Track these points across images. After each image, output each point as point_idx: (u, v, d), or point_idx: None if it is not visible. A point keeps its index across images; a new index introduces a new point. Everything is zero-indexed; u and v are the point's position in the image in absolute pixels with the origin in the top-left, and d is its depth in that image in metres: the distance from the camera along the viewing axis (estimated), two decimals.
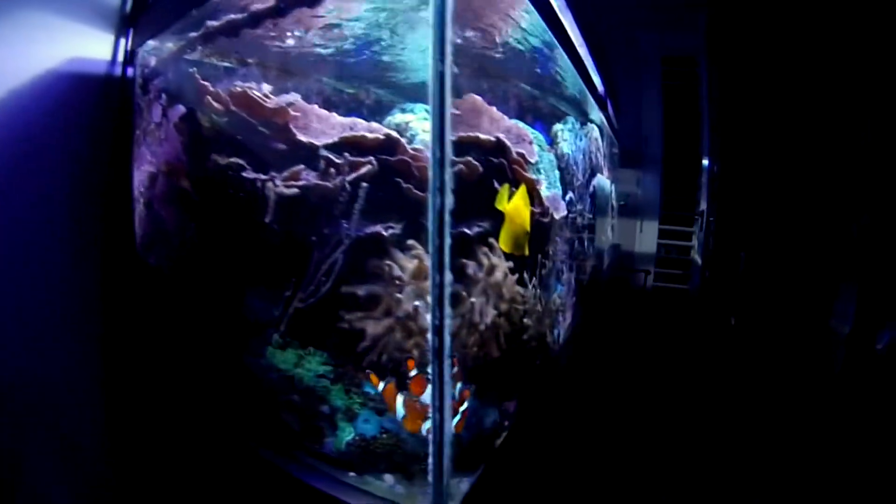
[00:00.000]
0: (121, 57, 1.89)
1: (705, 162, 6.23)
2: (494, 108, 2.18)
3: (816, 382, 3.82)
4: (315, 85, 2.44)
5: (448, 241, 1.18)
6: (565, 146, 3.02)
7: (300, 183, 1.72)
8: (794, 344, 4.07)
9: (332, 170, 1.70)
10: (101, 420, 1.84)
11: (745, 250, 5.02)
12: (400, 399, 1.50)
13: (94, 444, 1.81)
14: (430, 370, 1.21)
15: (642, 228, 6.67)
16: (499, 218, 1.91)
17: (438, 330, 1.18)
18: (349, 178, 1.70)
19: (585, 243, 3.62)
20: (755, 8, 4.98)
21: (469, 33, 2.09)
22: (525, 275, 2.03)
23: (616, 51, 5.59)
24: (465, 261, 1.76)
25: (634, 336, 4.97)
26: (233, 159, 1.79)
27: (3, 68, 1.45)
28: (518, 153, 2.10)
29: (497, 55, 2.45)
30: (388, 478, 1.63)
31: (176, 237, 2.08)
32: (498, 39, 2.26)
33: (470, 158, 1.86)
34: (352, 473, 1.63)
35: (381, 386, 1.54)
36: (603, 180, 4.21)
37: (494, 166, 1.98)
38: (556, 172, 2.81)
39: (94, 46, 1.79)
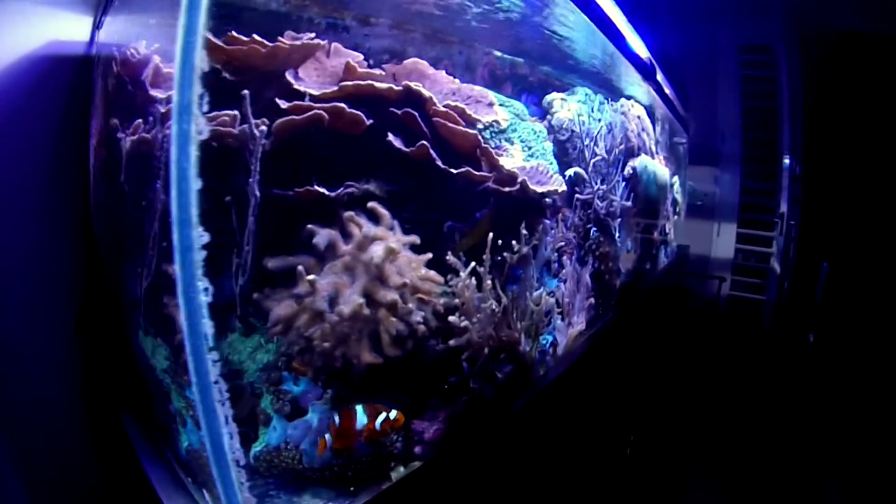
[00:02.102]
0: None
1: (787, 160, 5.28)
2: (442, 73, 1.86)
3: None
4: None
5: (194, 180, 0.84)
6: (565, 117, 2.39)
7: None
8: (878, 369, 3.06)
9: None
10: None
11: (829, 260, 4.17)
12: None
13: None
14: None
15: (720, 231, 5.66)
16: (399, 179, 1.53)
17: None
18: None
19: (616, 233, 2.87)
20: None
21: None
22: (456, 258, 1.49)
23: (688, 37, 4.88)
24: (313, 227, 1.16)
25: (698, 349, 4.03)
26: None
27: None
28: (452, 107, 1.64)
29: (461, 20, 2.18)
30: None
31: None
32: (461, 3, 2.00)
33: (343, 106, 1.41)
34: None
35: None
36: (652, 166, 3.44)
37: (394, 118, 1.54)
38: (546, 144, 2.19)
39: (74, 28, 1.73)
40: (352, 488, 1.24)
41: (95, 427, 1.72)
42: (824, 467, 2.75)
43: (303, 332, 1.19)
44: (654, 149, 3.60)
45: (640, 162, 3.25)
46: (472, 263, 1.47)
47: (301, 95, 1.47)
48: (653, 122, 3.59)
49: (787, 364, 4.01)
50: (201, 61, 0.83)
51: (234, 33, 1.43)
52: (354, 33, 1.99)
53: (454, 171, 1.51)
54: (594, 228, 2.69)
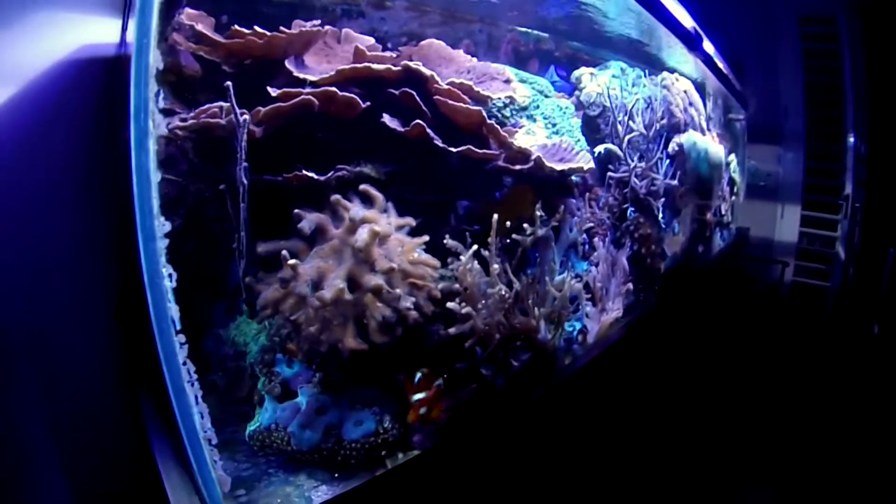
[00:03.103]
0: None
1: (851, 139, 4.83)
2: (459, 52, 1.82)
3: None
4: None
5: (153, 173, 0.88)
6: (594, 92, 2.26)
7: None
8: None
9: None
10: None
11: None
12: None
13: None
14: None
15: (783, 213, 5.26)
16: (397, 160, 1.51)
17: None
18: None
19: (659, 213, 2.71)
20: None
21: None
22: (455, 241, 1.44)
23: (745, 8, 4.58)
24: (300, 212, 1.15)
25: (756, 338, 3.76)
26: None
27: (12, 58, 1.44)
28: (457, 85, 1.58)
29: None
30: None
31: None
32: None
33: (334, 90, 1.39)
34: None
35: None
36: (702, 143, 3.23)
37: (393, 99, 1.52)
38: (574, 120, 2.10)
39: (103, 31, 1.69)
40: (342, 472, 1.24)
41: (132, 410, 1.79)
42: (889, 464, 2.50)
43: (289, 316, 1.18)
44: (704, 125, 3.38)
45: (687, 138, 3.06)
46: (474, 246, 1.40)
47: (301, 82, 1.46)
48: (703, 97, 3.38)
49: (851, 356, 3.67)
50: (155, 61, 0.86)
51: (236, 27, 1.45)
52: (370, 18, 1.99)
53: (454, 149, 1.45)
54: (632, 208, 2.55)
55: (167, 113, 1.33)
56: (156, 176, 0.87)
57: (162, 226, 0.89)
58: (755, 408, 3.10)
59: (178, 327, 0.92)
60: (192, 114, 1.30)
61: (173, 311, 0.92)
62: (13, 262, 1.46)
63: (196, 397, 0.95)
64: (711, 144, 3.36)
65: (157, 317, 0.91)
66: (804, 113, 5.08)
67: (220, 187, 1.32)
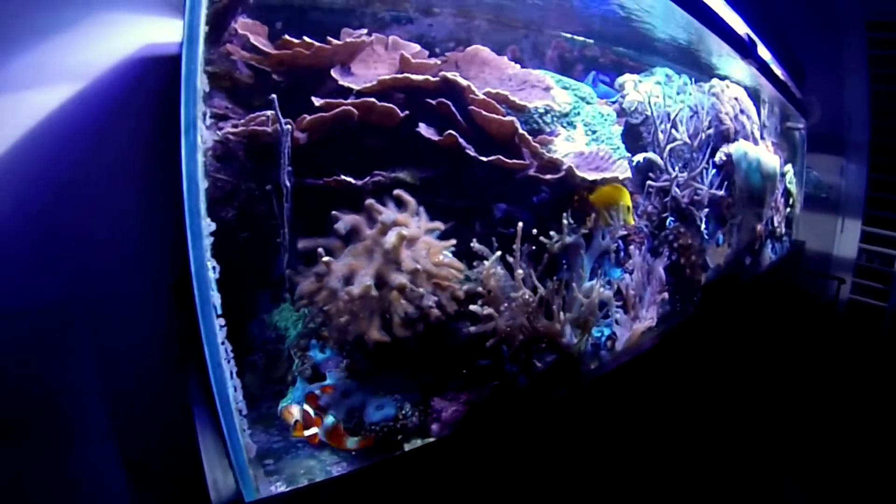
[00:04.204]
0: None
1: None
2: (503, 58, 1.91)
3: None
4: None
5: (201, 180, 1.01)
6: (637, 99, 2.28)
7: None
8: None
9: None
10: None
11: None
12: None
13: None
14: None
15: (843, 228, 5.02)
16: (432, 166, 1.62)
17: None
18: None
19: (702, 224, 2.70)
20: None
21: None
22: (482, 246, 1.53)
23: (807, 12, 4.40)
24: (337, 213, 1.28)
25: (804, 355, 3.64)
26: None
27: (81, 56, 1.61)
28: (493, 95, 1.67)
29: (526, 4, 2.23)
30: None
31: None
32: None
33: (373, 100, 1.50)
34: None
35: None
36: (754, 152, 3.18)
37: (429, 108, 1.62)
38: (614, 128, 2.14)
39: (165, 31, 1.84)
40: (360, 451, 1.35)
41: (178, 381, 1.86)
42: None
43: (321, 306, 1.30)
44: (757, 134, 3.31)
45: (737, 148, 3.01)
46: (498, 252, 1.48)
47: (346, 90, 1.57)
48: (757, 105, 3.30)
49: None
50: (202, 84, 1.00)
51: (286, 37, 1.56)
52: (419, 24, 2.08)
53: (485, 158, 1.53)
54: (672, 218, 2.55)
55: (221, 118, 1.47)
56: (203, 183, 1.01)
57: (208, 226, 1.03)
58: (797, 431, 3.02)
59: (219, 312, 1.06)
60: (242, 120, 1.43)
61: (215, 298, 1.05)
62: (79, 243, 1.62)
63: (231, 373, 1.08)
64: (764, 154, 3.29)
65: (202, 303, 1.04)
66: (869, 123, 4.83)
67: (267, 188, 1.45)
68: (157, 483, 1.80)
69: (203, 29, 1.03)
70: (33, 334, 1.57)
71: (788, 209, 4.18)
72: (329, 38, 1.60)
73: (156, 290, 1.83)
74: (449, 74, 1.57)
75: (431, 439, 1.42)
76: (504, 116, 1.61)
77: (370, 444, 1.34)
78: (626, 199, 1.92)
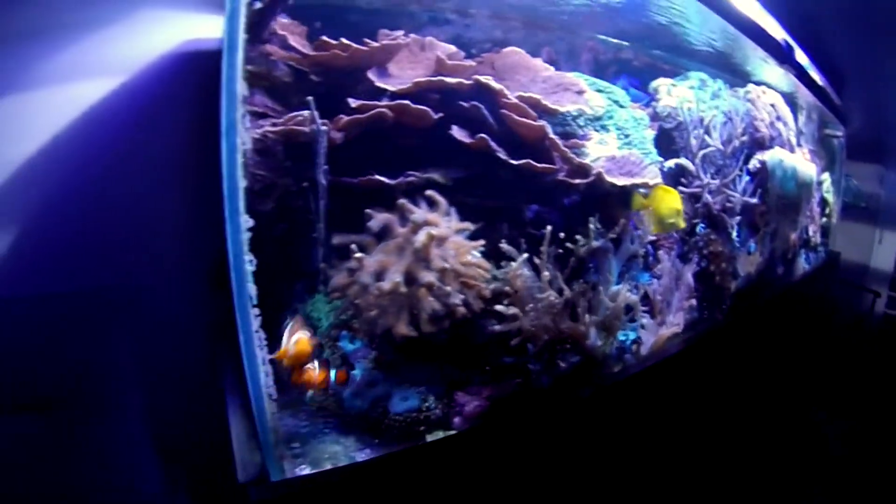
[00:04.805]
0: None
1: None
2: (538, 60, 1.94)
3: None
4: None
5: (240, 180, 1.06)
6: (671, 104, 2.28)
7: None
8: None
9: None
10: None
11: None
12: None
13: None
14: None
15: (882, 239, 4.85)
16: (464, 167, 1.65)
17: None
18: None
19: (733, 231, 2.67)
20: None
21: None
22: (510, 247, 1.55)
23: (844, 16, 4.27)
24: (370, 212, 1.32)
25: (833, 370, 3.54)
26: None
27: (123, 52, 1.67)
28: (525, 98, 1.68)
29: (562, 6, 2.25)
30: None
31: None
32: None
33: (406, 103, 1.55)
34: None
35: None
36: (790, 160, 3.12)
37: (462, 111, 1.65)
38: (647, 132, 2.14)
39: (205, 27, 1.89)
40: (382, 440, 1.39)
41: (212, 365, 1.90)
42: None
43: (353, 300, 1.35)
44: (793, 140, 3.24)
45: (772, 155, 2.96)
46: (525, 254, 1.51)
47: (381, 91, 1.61)
48: (793, 111, 3.23)
49: None
50: (242, 89, 1.04)
51: (324, 38, 1.61)
52: (455, 25, 2.10)
53: (515, 162, 1.55)
54: (703, 224, 2.53)
55: (260, 116, 1.53)
56: (242, 182, 1.05)
57: (246, 222, 1.08)
58: (824, 446, 2.96)
59: (255, 302, 1.11)
60: (281, 119, 1.48)
61: (252, 289, 1.10)
62: (119, 230, 1.69)
63: (263, 359, 1.13)
64: (800, 162, 3.23)
65: (238, 293, 1.10)
66: None
67: (304, 185, 1.50)
68: (187, 460, 1.86)
69: (242, 36, 1.07)
70: (72, 316, 1.63)
71: (824, 218, 4.09)
72: (366, 40, 1.63)
73: (191, 277, 1.88)
74: (482, 78, 1.60)
75: (453, 432, 1.45)
76: (535, 121, 1.63)
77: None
78: (678, 203, 1.91)
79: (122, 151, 1.69)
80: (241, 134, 1.04)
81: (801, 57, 3.29)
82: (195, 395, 1.80)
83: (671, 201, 1.87)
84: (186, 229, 1.88)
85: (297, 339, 1.31)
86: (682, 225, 1.99)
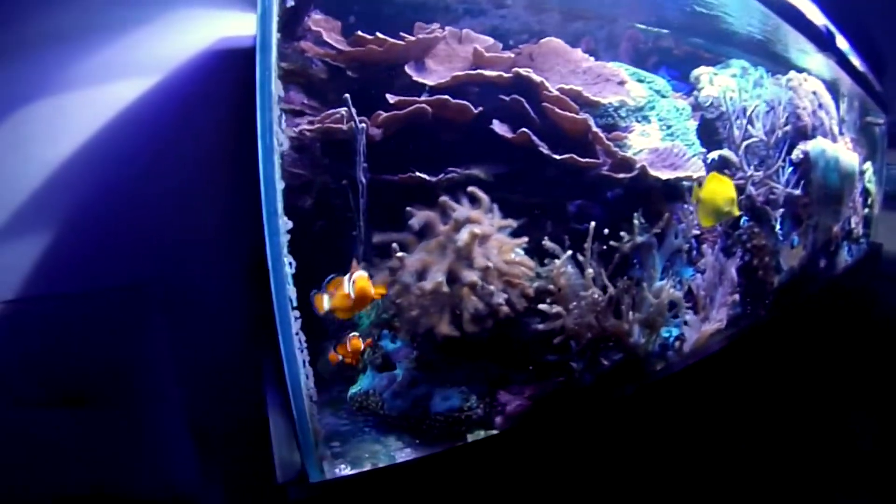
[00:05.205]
0: None
1: None
2: (577, 51, 1.84)
3: None
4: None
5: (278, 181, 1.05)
6: (713, 94, 2.26)
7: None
8: None
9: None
10: None
11: None
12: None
13: None
14: None
15: None
16: (506, 163, 1.59)
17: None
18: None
19: (777, 224, 2.57)
20: None
21: None
22: (554, 244, 1.50)
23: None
24: (411, 210, 1.28)
25: (874, 367, 3.38)
26: None
27: (160, 50, 1.68)
28: (566, 91, 1.61)
29: None
30: None
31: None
32: None
33: (447, 98, 1.49)
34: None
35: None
36: (832, 150, 2.98)
37: (502, 105, 1.59)
38: (689, 123, 2.06)
39: (239, 25, 1.88)
40: (423, 440, 1.37)
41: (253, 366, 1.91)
42: None
43: (394, 299, 1.31)
44: (836, 130, 3.10)
45: (814, 145, 2.84)
46: (569, 252, 1.44)
47: (420, 86, 1.56)
48: (836, 99, 3.10)
49: None
50: (277, 89, 1.03)
51: (359, 33, 1.56)
52: (491, 16, 2.03)
53: (557, 157, 1.49)
54: (746, 217, 2.43)
55: (297, 114, 1.49)
56: (280, 184, 1.03)
57: (285, 224, 1.06)
58: (864, 444, 2.83)
59: (295, 304, 1.09)
60: (318, 117, 1.44)
61: (291, 292, 1.08)
62: (158, 227, 1.69)
63: (304, 361, 1.11)
64: (843, 152, 3.09)
65: (278, 296, 1.08)
66: None
67: (343, 182, 1.46)
68: (224, 457, 1.84)
69: (276, 36, 1.05)
70: (111, 311, 1.64)
71: (866, 209, 3.93)
72: (402, 34, 1.58)
73: (230, 274, 1.87)
74: (522, 71, 1.53)
75: (494, 431, 1.41)
76: (577, 114, 1.56)
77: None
78: (732, 191, 1.82)
79: (159, 150, 1.69)
80: (278, 134, 1.02)
81: (842, 43, 3.15)
82: (232, 392, 1.80)
83: (726, 190, 1.78)
84: (224, 226, 1.87)
85: (357, 276, 1.24)
86: (737, 213, 1.90)
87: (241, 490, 1.88)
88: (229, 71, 1.81)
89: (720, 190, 1.77)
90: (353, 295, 1.22)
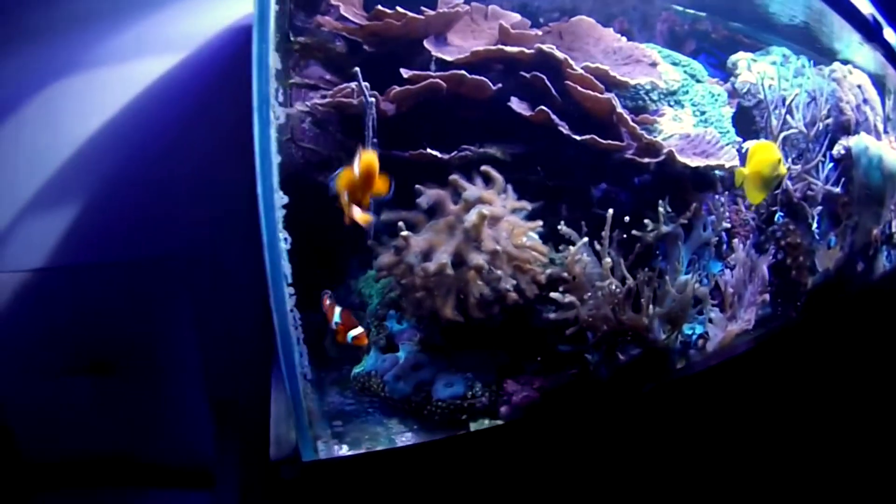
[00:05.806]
0: None
1: None
2: (609, 30, 1.76)
3: None
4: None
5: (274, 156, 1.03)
6: (750, 80, 2.15)
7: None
8: None
9: None
10: None
11: None
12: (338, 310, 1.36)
13: None
14: None
15: None
16: (525, 142, 1.51)
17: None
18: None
19: (813, 222, 2.41)
20: None
21: None
22: (570, 230, 1.41)
23: None
24: (420, 188, 1.20)
25: None
26: None
27: (184, 29, 1.70)
28: (592, 70, 1.51)
29: None
30: None
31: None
32: None
33: (462, 73, 1.41)
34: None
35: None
36: (876, 147, 2.78)
37: (524, 82, 1.50)
38: (725, 110, 1.99)
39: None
40: (424, 425, 1.33)
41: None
42: None
43: (399, 280, 1.26)
44: (880, 126, 2.90)
45: (857, 141, 2.65)
46: (585, 238, 1.34)
47: (440, 62, 1.49)
48: (881, 95, 2.89)
49: None
50: (274, 62, 1.02)
51: (379, 7, 1.49)
52: None
53: (578, 137, 1.38)
54: (781, 213, 2.28)
55: (311, 88, 1.43)
56: (276, 158, 1.01)
57: (280, 199, 1.04)
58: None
59: (290, 281, 1.06)
60: (330, 91, 1.38)
61: (286, 268, 1.07)
62: (181, 202, 1.70)
63: (298, 339, 1.09)
64: (887, 150, 2.87)
65: (273, 272, 1.05)
66: None
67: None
68: (240, 428, 1.84)
69: (273, 8, 1.04)
70: (134, 283, 1.66)
71: None
72: (423, 9, 1.50)
73: (252, 249, 1.88)
74: (545, 47, 1.44)
75: (499, 422, 1.35)
76: (602, 93, 1.45)
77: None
78: (776, 152, 1.67)
79: (184, 126, 1.70)
80: (275, 108, 1.00)
81: (891, 35, 2.93)
82: (249, 364, 1.77)
83: (768, 153, 1.63)
84: (247, 202, 1.86)
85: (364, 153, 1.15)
86: (785, 172, 1.77)
87: (256, 461, 1.88)
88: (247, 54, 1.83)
89: (766, 157, 1.62)
90: (357, 172, 1.12)
